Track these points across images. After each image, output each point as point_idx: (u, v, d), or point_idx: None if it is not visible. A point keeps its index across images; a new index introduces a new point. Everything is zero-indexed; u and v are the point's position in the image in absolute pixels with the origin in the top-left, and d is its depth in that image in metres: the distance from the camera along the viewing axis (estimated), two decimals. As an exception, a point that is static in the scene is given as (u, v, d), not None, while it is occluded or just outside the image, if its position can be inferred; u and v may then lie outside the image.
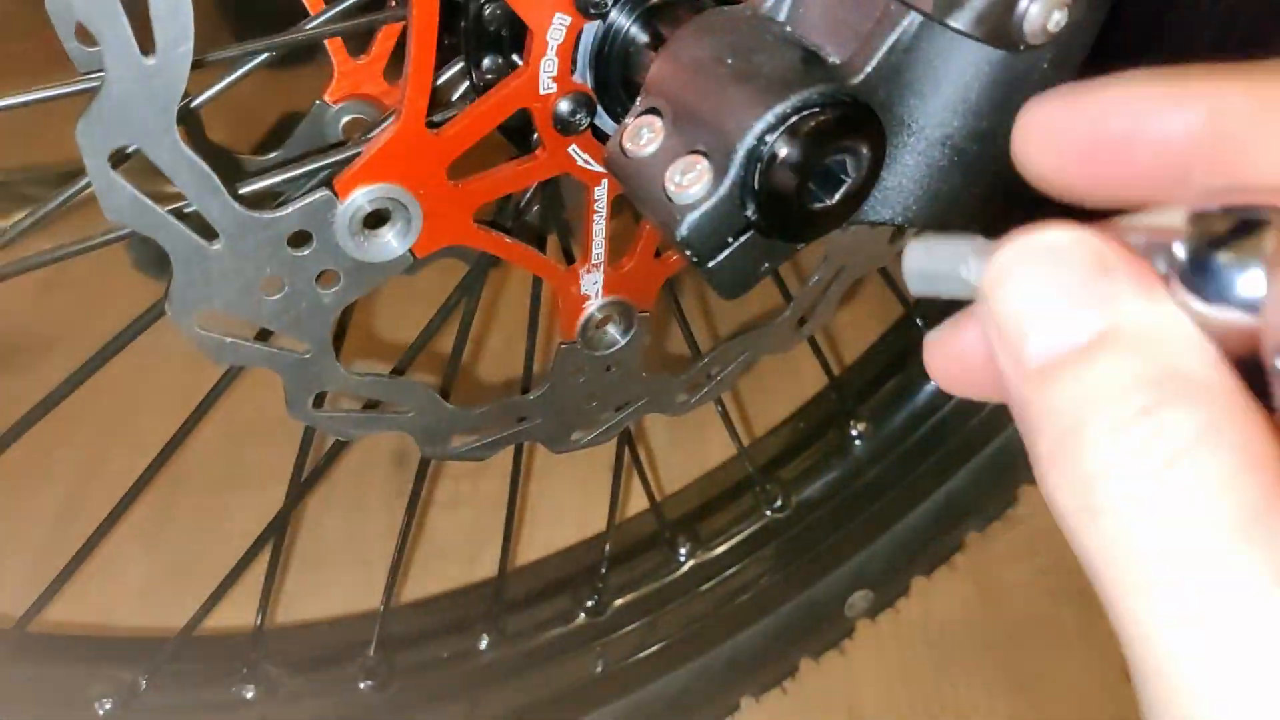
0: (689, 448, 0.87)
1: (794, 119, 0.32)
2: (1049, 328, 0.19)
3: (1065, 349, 0.19)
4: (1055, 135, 0.23)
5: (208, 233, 0.34)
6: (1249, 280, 0.18)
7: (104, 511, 0.80)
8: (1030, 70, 0.32)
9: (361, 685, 0.64)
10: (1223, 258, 0.18)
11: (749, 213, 0.33)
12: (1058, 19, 0.31)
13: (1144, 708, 0.17)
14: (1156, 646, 0.17)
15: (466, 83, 0.41)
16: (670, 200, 0.33)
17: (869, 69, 0.32)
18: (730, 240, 0.33)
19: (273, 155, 0.45)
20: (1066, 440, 0.18)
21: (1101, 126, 0.22)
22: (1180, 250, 0.19)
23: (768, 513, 0.70)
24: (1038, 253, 0.20)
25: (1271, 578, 0.16)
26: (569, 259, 0.46)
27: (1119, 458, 0.18)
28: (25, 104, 0.31)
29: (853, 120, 0.32)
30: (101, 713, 0.57)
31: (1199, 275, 0.18)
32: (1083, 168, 0.22)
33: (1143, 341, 0.18)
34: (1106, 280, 0.19)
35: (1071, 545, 0.18)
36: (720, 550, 0.71)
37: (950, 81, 0.33)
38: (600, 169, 0.40)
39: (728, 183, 0.32)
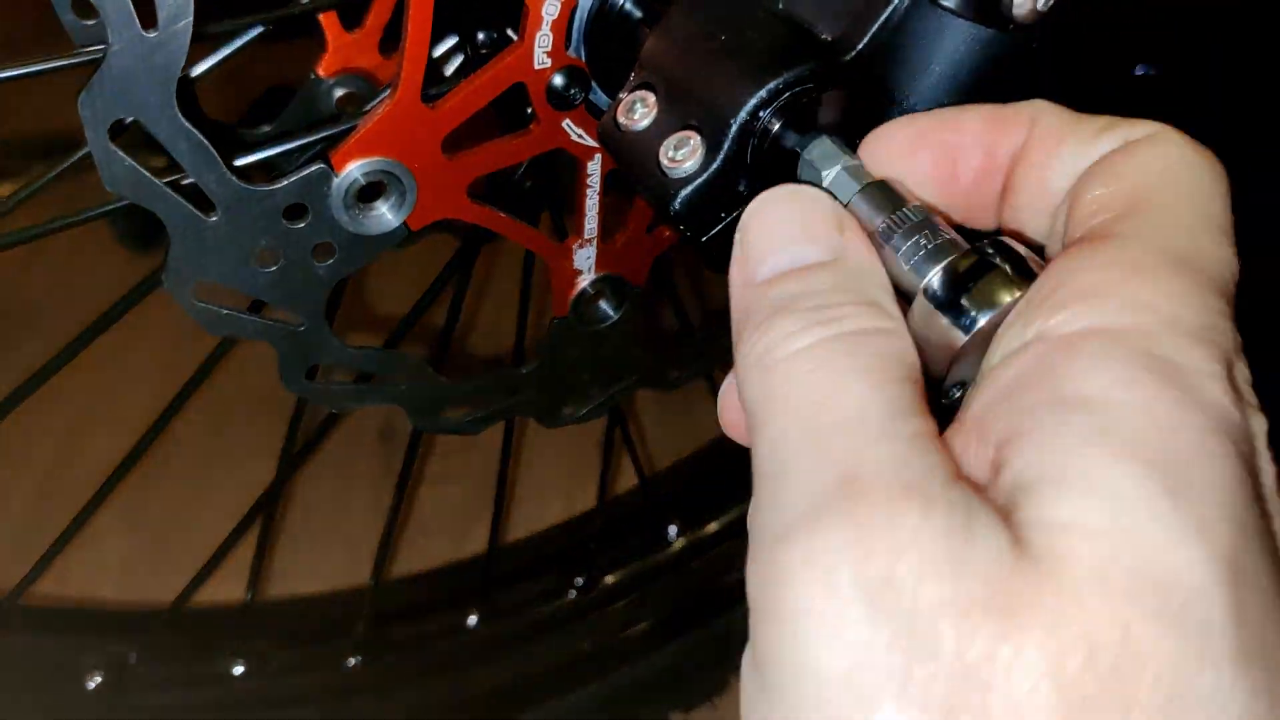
0: (677, 425, 0.88)
1: (786, 95, 0.32)
2: (785, 251, 0.25)
3: (789, 268, 0.25)
4: (902, 155, 0.28)
5: (203, 205, 0.34)
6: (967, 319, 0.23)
7: (84, 486, 0.79)
8: (1019, 50, 0.33)
9: (350, 661, 0.64)
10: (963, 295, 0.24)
11: (741, 188, 0.33)
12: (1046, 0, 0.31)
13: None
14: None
15: (460, 57, 0.41)
16: (664, 175, 0.33)
17: (860, 46, 0.33)
18: (723, 215, 0.34)
19: (266, 129, 0.46)
20: (771, 317, 0.23)
21: (932, 142, 0.27)
22: (935, 278, 0.24)
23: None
24: (794, 198, 0.27)
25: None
26: (561, 234, 0.46)
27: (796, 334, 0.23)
28: (26, 76, 0.31)
29: (846, 97, 0.33)
30: (92, 685, 0.57)
31: (943, 295, 0.24)
32: (929, 181, 0.27)
33: (848, 275, 0.24)
34: (836, 233, 0.25)
35: (740, 394, 0.24)
36: (709, 529, 0.72)
37: (940, 60, 0.33)
38: (594, 144, 0.40)
39: (720, 158, 0.33)
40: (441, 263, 0.52)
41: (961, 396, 0.25)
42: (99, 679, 0.57)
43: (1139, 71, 0.33)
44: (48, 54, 0.35)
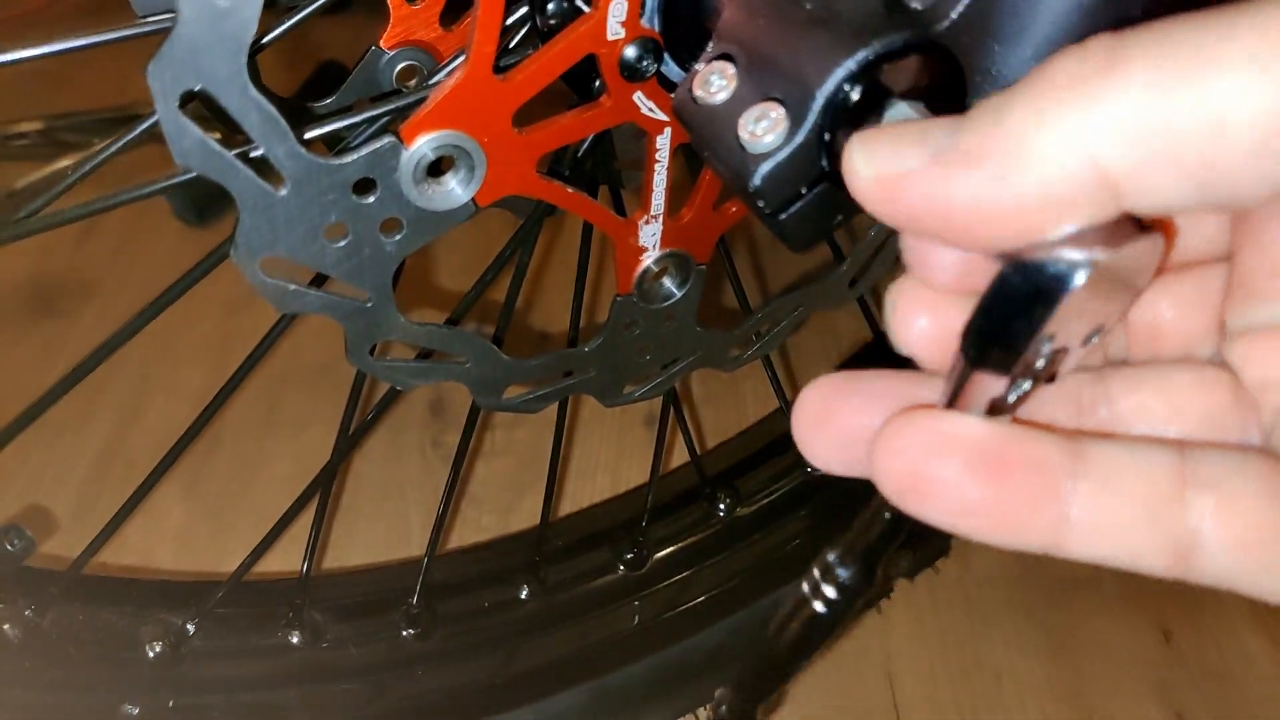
0: (724, 402, 0.87)
1: (874, 66, 0.31)
2: None
3: None
4: None
5: (270, 178, 0.34)
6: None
7: (142, 456, 0.80)
8: (1122, 15, 0.31)
9: (404, 633, 0.64)
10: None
11: (824, 163, 0.32)
12: (1155, -38, 0.30)
13: None
14: None
15: (527, 28, 0.40)
16: (743, 149, 0.32)
17: (954, 15, 0.31)
18: (804, 191, 0.33)
19: (326, 101, 0.45)
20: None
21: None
22: None
23: (809, 469, 0.70)
24: None
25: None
26: (619, 210, 0.45)
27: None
28: (93, 46, 0.31)
29: (935, 68, 0.31)
30: (152, 655, 0.58)
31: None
32: None
33: None
34: None
35: None
36: (759, 506, 0.71)
37: (1037, 27, 0.31)
38: (664, 117, 0.39)
39: (804, 131, 0.31)
40: (491, 238, 0.51)
41: (1053, 358, 0.23)
42: (159, 648, 0.58)
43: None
44: (109, 25, 0.34)
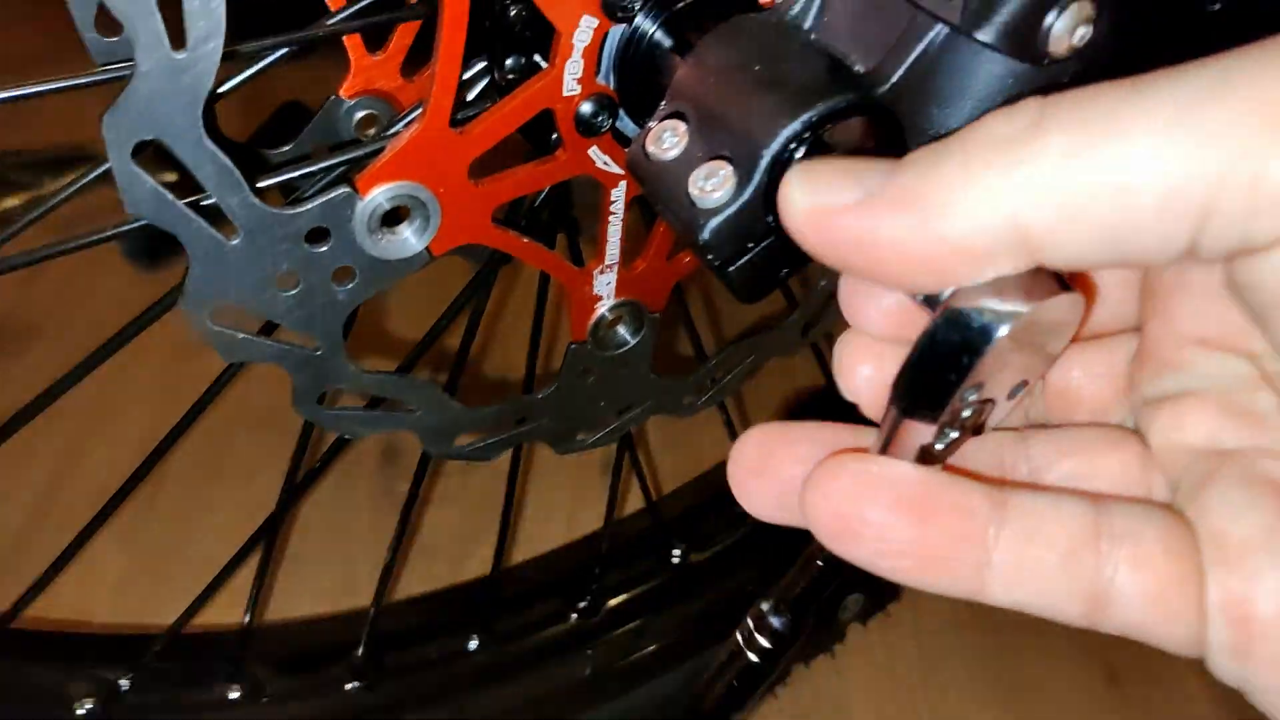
0: (682, 448, 0.87)
1: (820, 127, 0.32)
2: None
3: None
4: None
5: (223, 226, 0.34)
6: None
7: (81, 504, 0.78)
8: (1053, 84, 0.33)
9: (348, 686, 0.63)
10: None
11: (771, 219, 0.33)
12: (1082, 34, 0.31)
13: None
14: None
15: (485, 82, 0.40)
16: (693, 205, 0.33)
17: (895, 78, 0.32)
18: (751, 246, 0.34)
19: (285, 149, 0.45)
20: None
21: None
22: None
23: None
24: None
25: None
26: (577, 259, 0.46)
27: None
28: (51, 92, 0.31)
29: (877, 128, 0.33)
30: (81, 713, 0.56)
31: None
32: None
33: None
34: None
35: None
36: (714, 552, 0.71)
37: (973, 93, 0.33)
38: (619, 171, 0.40)
39: (751, 189, 0.32)
40: (449, 285, 0.51)
41: (979, 409, 0.24)
42: (89, 706, 0.56)
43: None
44: (61, 70, 0.34)
